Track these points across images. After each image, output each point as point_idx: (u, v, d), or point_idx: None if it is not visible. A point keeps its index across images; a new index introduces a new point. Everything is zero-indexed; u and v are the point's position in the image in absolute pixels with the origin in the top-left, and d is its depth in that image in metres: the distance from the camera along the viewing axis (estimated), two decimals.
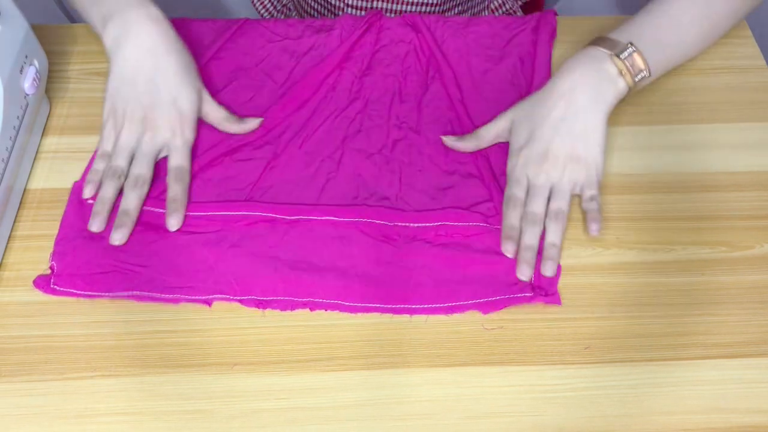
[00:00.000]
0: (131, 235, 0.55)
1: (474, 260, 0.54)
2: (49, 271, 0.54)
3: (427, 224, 0.56)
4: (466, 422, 0.48)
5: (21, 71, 0.57)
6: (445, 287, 0.53)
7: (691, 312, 0.53)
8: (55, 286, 0.52)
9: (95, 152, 0.59)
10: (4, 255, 0.55)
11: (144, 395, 0.49)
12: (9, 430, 0.47)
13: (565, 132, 0.56)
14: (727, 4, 0.61)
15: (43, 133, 0.62)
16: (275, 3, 0.87)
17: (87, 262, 0.54)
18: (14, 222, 0.57)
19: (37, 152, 0.61)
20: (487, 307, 0.52)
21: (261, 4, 0.87)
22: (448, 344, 0.51)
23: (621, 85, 0.57)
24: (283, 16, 0.87)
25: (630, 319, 0.52)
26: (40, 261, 0.55)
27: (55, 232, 0.56)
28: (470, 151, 0.60)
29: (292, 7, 0.87)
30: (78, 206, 0.57)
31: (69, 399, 0.48)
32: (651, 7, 0.60)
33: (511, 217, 0.56)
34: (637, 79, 0.57)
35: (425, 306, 0.52)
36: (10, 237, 0.56)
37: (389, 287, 0.53)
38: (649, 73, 0.58)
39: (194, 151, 0.60)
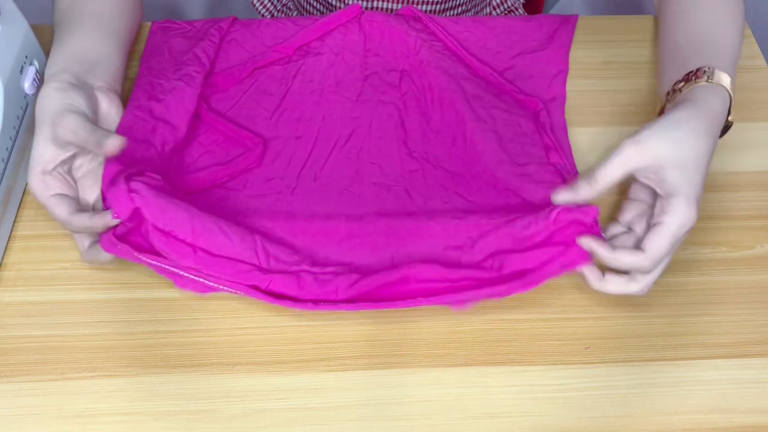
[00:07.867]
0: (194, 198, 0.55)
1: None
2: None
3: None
4: (466, 422, 0.48)
5: (21, 71, 0.57)
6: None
7: (691, 312, 0.53)
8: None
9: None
10: (4, 255, 0.55)
11: (144, 395, 0.49)
12: (9, 430, 0.47)
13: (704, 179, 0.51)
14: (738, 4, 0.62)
15: None
16: (275, 2, 0.86)
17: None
18: (14, 222, 0.57)
19: None
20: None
21: (261, 3, 0.86)
22: (449, 344, 0.51)
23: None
24: (282, 16, 0.87)
25: (630, 319, 0.52)
26: (40, 261, 0.55)
27: (56, 232, 0.55)
28: (588, 200, 0.50)
29: (292, 6, 0.86)
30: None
31: (69, 399, 0.48)
32: (697, 32, 0.59)
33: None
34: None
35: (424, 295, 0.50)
36: (10, 237, 0.56)
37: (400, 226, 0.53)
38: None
39: (200, 184, 0.57)
